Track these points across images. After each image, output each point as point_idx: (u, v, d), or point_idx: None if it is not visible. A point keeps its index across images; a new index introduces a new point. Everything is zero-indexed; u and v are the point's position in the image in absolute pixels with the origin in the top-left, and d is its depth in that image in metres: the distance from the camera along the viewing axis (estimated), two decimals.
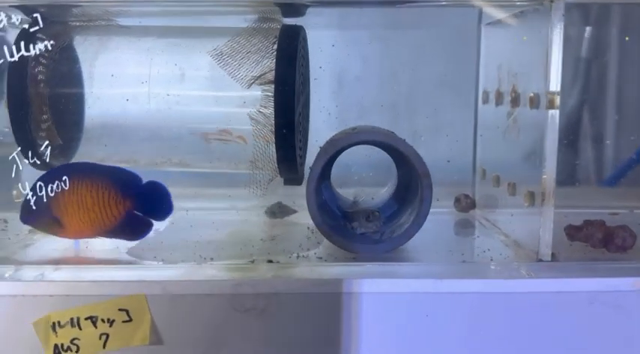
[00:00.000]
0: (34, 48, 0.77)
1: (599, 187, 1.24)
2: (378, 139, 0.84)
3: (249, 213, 1.13)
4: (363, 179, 1.13)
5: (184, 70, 0.93)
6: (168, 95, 0.93)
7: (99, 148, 0.96)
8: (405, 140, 0.83)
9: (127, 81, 0.94)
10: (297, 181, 0.99)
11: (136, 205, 0.86)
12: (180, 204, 1.10)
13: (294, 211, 1.12)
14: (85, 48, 0.94)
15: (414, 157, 0.81)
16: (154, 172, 1.01)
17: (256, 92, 0.90)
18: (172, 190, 0.93)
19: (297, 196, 1.07)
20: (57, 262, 0.87)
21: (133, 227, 0.88)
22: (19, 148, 0.79)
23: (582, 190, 1.22)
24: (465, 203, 1.09)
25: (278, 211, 1.11)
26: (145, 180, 0.88)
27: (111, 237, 0.88)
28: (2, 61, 0.77)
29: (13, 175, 0.80)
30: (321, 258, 0.85)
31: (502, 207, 0.99)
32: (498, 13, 0.97)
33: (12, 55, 0.76)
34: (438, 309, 0.78)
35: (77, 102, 0.93)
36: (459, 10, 1.10)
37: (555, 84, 0.78)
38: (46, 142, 0.79)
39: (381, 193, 1.02)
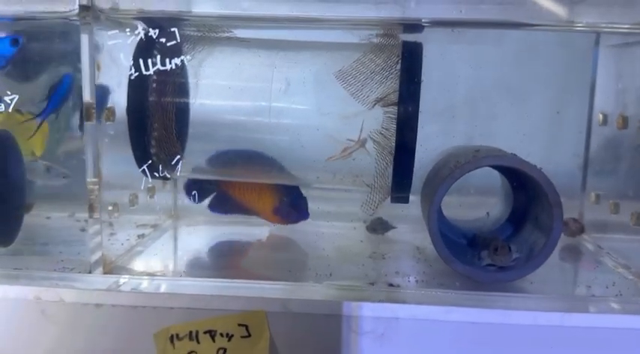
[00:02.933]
0: (170, 62, 0.77)
1: None
2: (507, 164, 0.82)
3: (347, 225, 1.13)
4: None
5: (291, 82, 0.93)
6: (274, 107, 0.92)
7: (203, 157, 0.98)
8: (536, 166, 0.81)
9: (231, 92, 0.93)
10: (406, 200, 0.98)
11: None
12: None
13: (394, 227, 1.11)
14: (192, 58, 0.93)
15: (546, 185, 0.79)
16: None
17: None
18: None
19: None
20: (174, 273, 0.89)
21: None
22: (150, 162, 0.80)
23: None
24: (575, 228, 1.05)
25: (379, 226, 1.10)
26: None
27: None
28: (137, 74, 0.77)
29: (142, 187, 0.81)
30: (442, 284, 0.84)
31: (619, 235, 0.96)
32: (626, 37, 0.94)
33: (147, 69, 0.77)
34: (564, 343, 0.76)
35: (187, 113, 0.92)
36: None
37: None
38: (177, 157, 0.80)
39: (490, 213, 1.00)
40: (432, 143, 0.99)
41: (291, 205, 1.03)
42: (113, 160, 0.88)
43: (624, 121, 0.96)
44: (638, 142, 0.91)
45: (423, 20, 0.83)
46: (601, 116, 1.04)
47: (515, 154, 0.85)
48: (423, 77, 0.88)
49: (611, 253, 0.98)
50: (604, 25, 0.87)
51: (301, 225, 1.08)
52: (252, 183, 1.02)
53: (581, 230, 1.07)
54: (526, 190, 0.91)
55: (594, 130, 1.07)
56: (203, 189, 1.03)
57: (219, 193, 1.02)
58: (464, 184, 1.05)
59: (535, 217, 0.88)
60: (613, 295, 0.83)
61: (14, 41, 0.96)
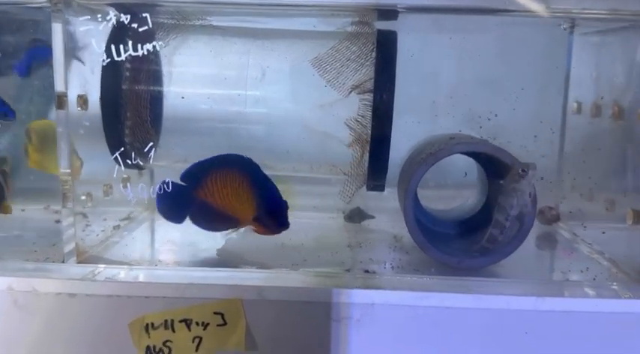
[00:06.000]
0: (141, 48, 0.77)
1: None
2: (482, 150, 0.82)
3: (325, 215, 1.12)
4: None
5: (268, 72, 0.93)
6: (249, 95, 0.92)
7: (178, 146, 0.97)
8: (508, 152, 0.81)
9: (207, 80, 0.94)
10: (381, 188, 0.99)
11: None
12: None
13: (372, 217, 1.12)
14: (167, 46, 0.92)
15: None
16: None
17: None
18: None
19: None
20: (149, 262, 0.88)
21: None
22: (122, 150, 0.79)
23: None
24: (550, 215, 1.06)
25: (357, 216, 1.10)
26: None
27: None
28: (109, 60, 0.77)
29: (115, 176, 0.80)
30: (416, 270, 0.84)
31: (595, 223, 0.97)
32: (598, 25, 0.95)
33: (119, 55, 0.76)
34: (538, 327, 0.77)
35: (161, 101, 0.92)
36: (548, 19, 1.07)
37: None
38: (150, 144, 0.79)
39: (465, 202, 1.01)
40: (411, 133, 1.01)
41: (269, 213, 0.90)
42: (87, 149, 0.88)
43: (597, 109, 0.97)
44: (611, 130, 0.92)
45: (397, 6, 0.84)
46: (575, 105, 1.06)
47: (487, 141, 0.85)
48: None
49: (586, 240, 0.99)
50: (577, 12, 0.88)
51: None
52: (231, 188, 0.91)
53: (557, 218, 1.08)
54: (501, 178, 0.92)
55: (570, 118, 1.08)
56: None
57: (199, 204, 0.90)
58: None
59: None
60: (587, 280, 0.84)
61: None
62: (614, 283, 0.82)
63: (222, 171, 0.87)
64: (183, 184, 0.86)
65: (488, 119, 1.06)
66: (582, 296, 0.79)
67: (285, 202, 0.89)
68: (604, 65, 0.98)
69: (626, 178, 0.89)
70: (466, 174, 0.99)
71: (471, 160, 0.97)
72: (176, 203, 0.87)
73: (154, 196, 0.82)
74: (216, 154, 0.87)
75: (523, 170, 0.80)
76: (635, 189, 0.84)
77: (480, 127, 1.06)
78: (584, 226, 1.01)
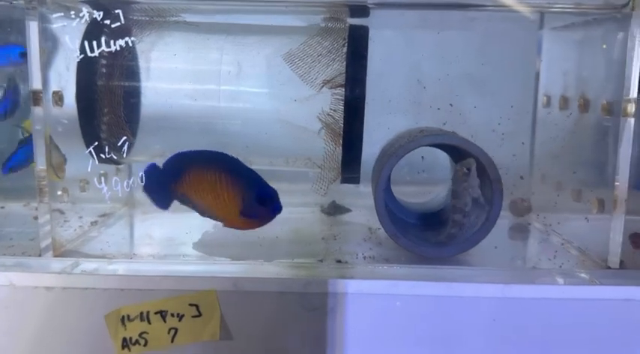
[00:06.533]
0: (114, 44, 0.78)
1: None
2: (449, 142, 0.84)
3: (303, 209, 1.14)
4: None
5: (242, 67, 0.94)
6: (224, 91, 0.93)
7: (155, 141, 0.98)
8: (475, 143, 0.83)
9: (182, 76, 0.94)
10: (356, 180, 1.00)
11: None
12: None
13: (348, 210, 1.13)
14: (142, 42, 0.93)
15: (486, 162, 0.82)
16: None
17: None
18: None
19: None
20: (125, 256, 0.89)
21: None
22: (96, 144, 0.80)
23: None
24: (522, 207, 1.09)
25: (333, 209, 1.12)
26: None
27: None
28: (82, 56, 0.78)
29: (89, 170, 0.81)
30: (387, 260, 0.86)
31: (564, 213, 0.99)
32: (565, 19, 0.97)
33: (92, 51, 0.77)
34: (505, 314, 0.79)
35: (137, 97, 0.92)
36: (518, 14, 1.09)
37: (633, 92, 0.78)
38: (124, 138, 0.80)
39: (437, 194, 1.03)
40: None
41: (261, 201, 0.88)
42: (66, 146, 0.89)
43: (565, 102, 0.99)
44: (577, 121, 0.94)
45: (368, 2, 0.85)
46: (545, 98, 1.08)
47: (455, 133, 0.87)
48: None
49: (556, 230, 1.02)
50: (546, 6, 0.91)
51: None
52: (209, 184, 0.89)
53: (529, 209, 1.10)
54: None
55: (540, 112, 1.10)
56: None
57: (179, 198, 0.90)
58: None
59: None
60: (554, 268, 0.86)
61: (24, 54, 0.95)
62: (582, 271, 0.84)
63: (199, 169, 0.87)
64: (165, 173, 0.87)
65: (449, 108, 1.08)
66: (550, 283, 0.80)
67: (275, 190, 0.88)
68: (572, 59, 1.00)
69: (594, 169, 0.91)
70: (423, 157, 1.01)
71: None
72: (159, 190, 0.88)
73: (128, 189, 0.83)
74: (194, 149, 0.88)
75: (467, 169, 0.83)
76: (602, 179, 0.86)
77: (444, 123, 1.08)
78: (550, 224, 1.04)
